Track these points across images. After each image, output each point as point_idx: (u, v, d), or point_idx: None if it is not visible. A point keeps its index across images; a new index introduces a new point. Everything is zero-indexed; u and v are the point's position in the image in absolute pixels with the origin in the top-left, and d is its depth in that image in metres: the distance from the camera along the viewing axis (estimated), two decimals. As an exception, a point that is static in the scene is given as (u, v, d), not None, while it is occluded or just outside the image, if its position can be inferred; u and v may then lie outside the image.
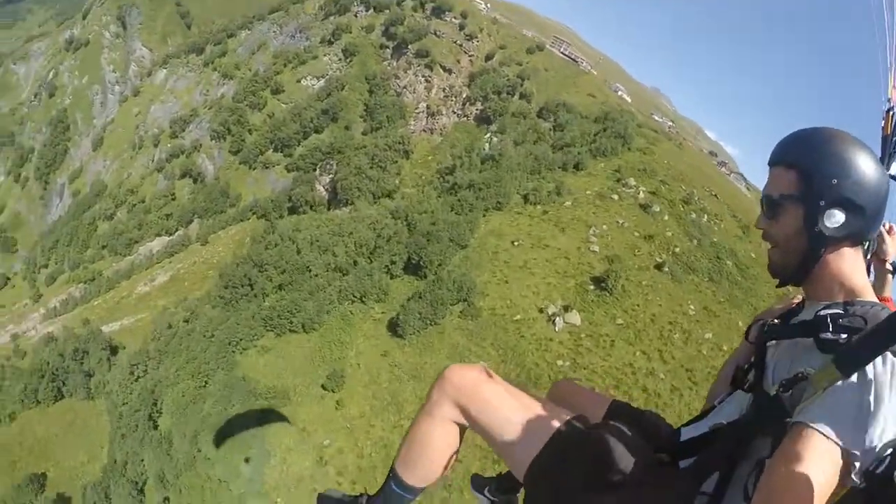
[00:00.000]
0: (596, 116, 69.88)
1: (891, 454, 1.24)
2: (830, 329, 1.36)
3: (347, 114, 76.45)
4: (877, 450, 1.25)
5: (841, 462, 1.27)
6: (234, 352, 42.55)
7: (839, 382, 1.28)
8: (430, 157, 73.06)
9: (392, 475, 1.95)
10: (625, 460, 1.62)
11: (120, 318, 74.39)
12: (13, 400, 49.26)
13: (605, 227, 48.05)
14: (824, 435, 1.26)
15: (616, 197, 51.43)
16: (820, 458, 1.25)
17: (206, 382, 40.80)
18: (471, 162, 56.01)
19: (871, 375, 1.27)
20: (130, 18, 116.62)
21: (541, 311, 41.01)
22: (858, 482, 1.28)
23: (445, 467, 1.91)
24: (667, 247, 47.04)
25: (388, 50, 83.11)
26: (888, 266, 1.85)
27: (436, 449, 1.87)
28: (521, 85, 79.07)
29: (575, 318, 40.13)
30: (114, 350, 60.00)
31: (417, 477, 1.91)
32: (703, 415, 1.87)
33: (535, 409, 1.76)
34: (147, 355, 46.47)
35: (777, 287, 1.70)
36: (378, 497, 2.03)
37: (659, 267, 44.70)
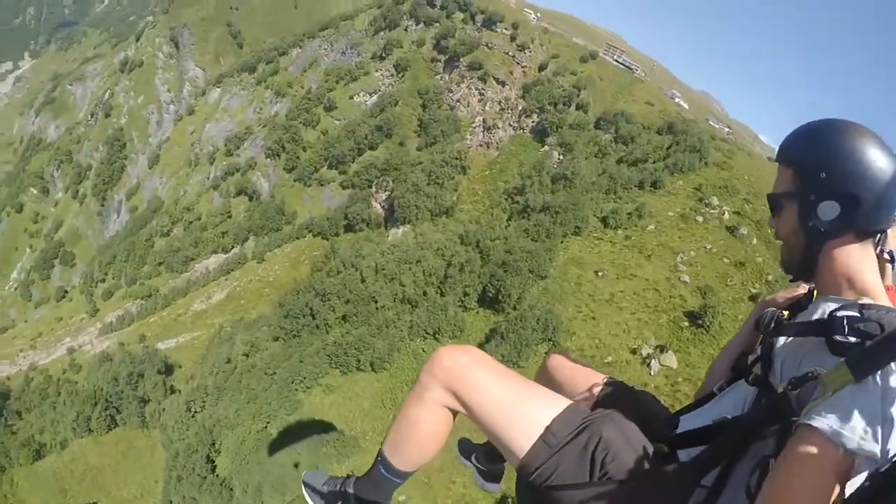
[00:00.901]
0: (658, 126, 65.77)
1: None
2: (846, 332, 1.32)
3: (401, 129, 74.29)
4: (888, 455, 1.22)
5: (846, 466, 1.24)
6: (297, 390, 39.86)
7: (850, 386, 1.24)
8: (486, 173, 70.21)
9: (380, 458, 1.86)
10: (623, 452, 1.56)
11: (176, 335, 73.75)
12: (66, 427, 48.12)
13: (692, 253, 43.70)
14: (831, 439, 1.23)
15: (700, 219, 46.84)
16: (826, 462, 1.22)
17: (267, 424, 38.39)
18: (541, 181, 52.25)
19: (883, 381, 1.23)
20: (183, 39, 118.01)
21: (633, 352, 36.93)
22: (865, 485, 1.25)
23: (434, 450, 1.82)
24: (759, 275, 42.29)
25: (439, 63, 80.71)
26: (885, 255, 1.64)
27: (425, 434, 1.78)
28: (578, 95, 75.49)
29: (671, 359, 35.94)
30: (169, 369, 58.91)
31: (406, 461, 1.82)
32: (702, 402, 1.81)
33: (531, 396, 1.68)
34: (205, 391, 44.05)
35: (790, 283, 1.70)
36: (365, 478, 1.95)
37: (753, 298, 39.83)
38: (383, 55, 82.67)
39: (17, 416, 53.40)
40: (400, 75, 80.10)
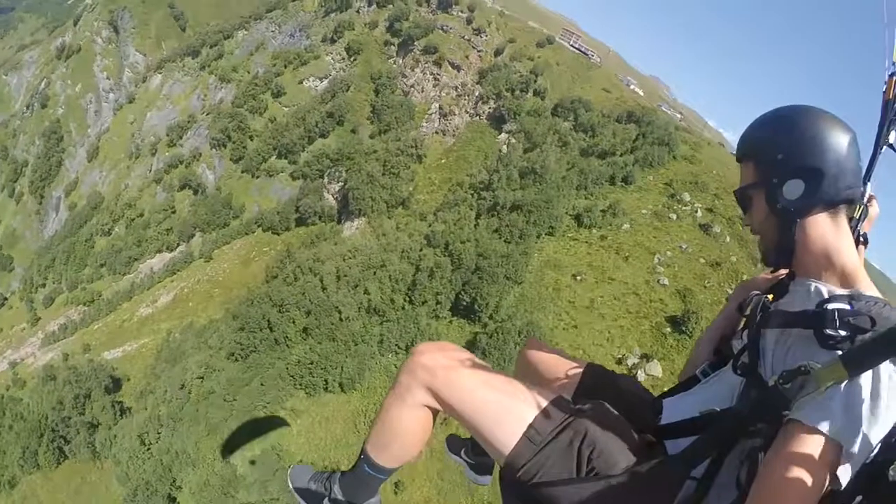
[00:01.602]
0: (618, 115, 63.44)
1: (881, 448, 1.22)
2: (837, 325, 1.30)
3: (353, 116, 69.51)
4: (876, 451, 1.23)
5: (837, 462, 1.24)
6: (260, 415, 35.63)
7: (844, 383, 1.22)
8: (443, 161, 66.50)
9: (363, 456, 1.83)
10: (609, 447, 1.53)
11: (122, 343, 67.83)
12: (13, 463, 42.61)
13: (669, 253, 41.76)
14: (824, 435, 1.23)
15: (674, 216, 44.92)
16: (818, 458, 1.22)
17: (229, 460, 34.11)
18: (508, 176, 48.46)
19: (877, 379, 1.23)
20: (123, 23, 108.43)
21: (619, 361, 34.79)
22: (851, 478, 1.25)
23: (418, 448, 1.80)
24: (735, 275, 40.62)
25: (393, 47, 75.95)
26: (860, 237, 1.65)
27: (407, 433, 1.74)
28: (535, 81, 72.41)
29: (656, 368, 34.05)
30: (116, 383, 53.77)
31: (389, 459, 1.80)
32: (686, 385, 1.78)
33: (512, 392, 1.63)
34: (159, 421, 38.95)
35: (770, 274, 1.71)
36: (350, 474, 1.91)
37: (731, 300, 38.56)
38: (334, 38, 77.23)
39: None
40: (352, 59, 75.03)
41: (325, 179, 64.64)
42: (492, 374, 1.67)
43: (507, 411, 1.59)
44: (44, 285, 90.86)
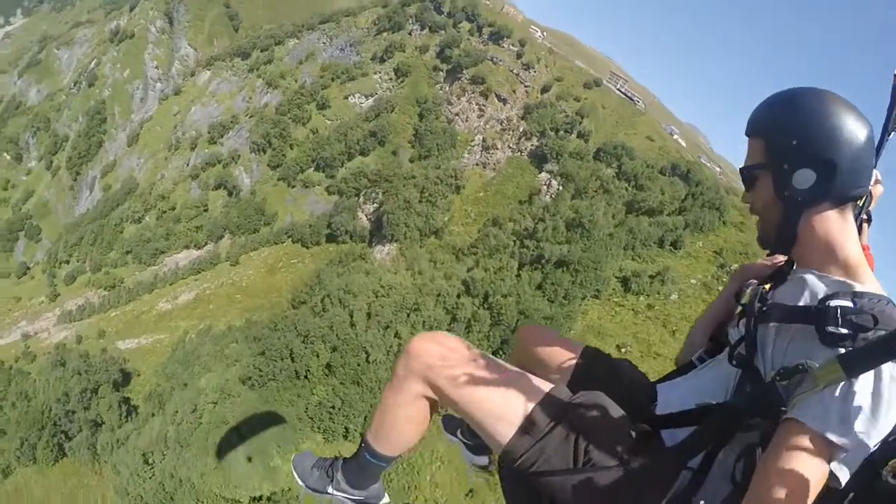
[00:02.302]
0: (662, 167, 61.40)
1: (879, 447, 1.20)
2: (839, 324, 1.26)
3: (396, 137, 68.24)
4: (872, 450, 1.21)
5: (834, 462, 1.23)
6: (274, 454, 33.76)
7: (842, 383, 1.20)
8: (481, 194, 64.80)
9: (364, 445, 1.86)
10: (606, 437, 1.52)
11: (137, 335, 66.67)
12: (9, 451, 41.07)
13: None
14: (821, 434, 1.21)
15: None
16: (816, 458, 1.21)
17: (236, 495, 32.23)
18: (555, 227, 46.30)
19: (875, 381, 1.20)
20: (178, 15, 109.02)
21: None
22: (846, 478, 1.25)
23: (417, 437, 1.81)
24: None
25: (441, 73, 74.77)
26: (863, 215, 1.62)
27: (406, 424, 1.76)
28: (580, 122, 70.77)
29: None
30: (126, 377, 52.43)
31: (390, 447, 1.82)
32: (681, 371, 1.76)
33: (509, 383, 1.60)
34: (165, 443, 37.18)
35: (769, 259, 1.67)
36: (352, 461, 1.95)
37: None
38: (384, 57, 76.30)
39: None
40: (399, 80, 73.92)
41: (361, 199, 63.21)
42: (488, 364, 1.62)
43: (503, 402, 1.54)
44: (68, 262, 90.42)
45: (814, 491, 1.19)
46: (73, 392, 43.92)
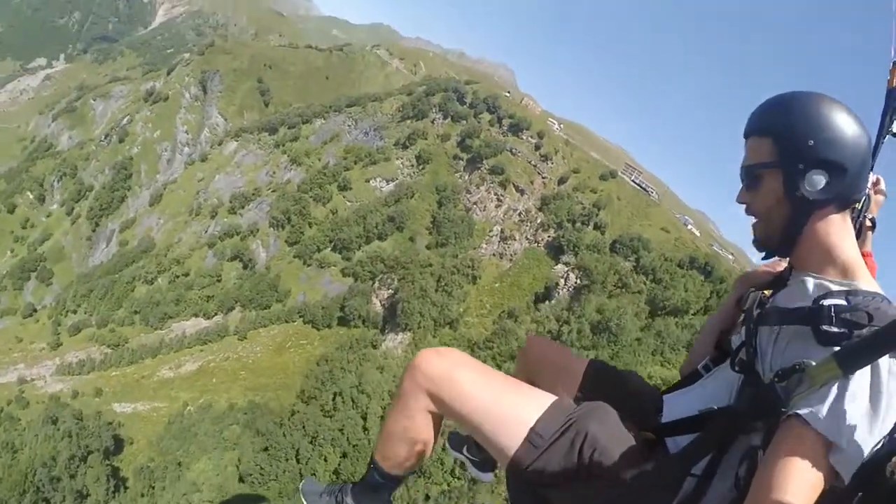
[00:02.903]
0: (679, 259, 61.09)
1: (883, 443, 1.17)
2: (833, 322, 1.25)
3: (414, 224, 68.61)
4: (873, 448, 1.19)
5: (836, 459, 1.21)
6: None
7: (838, 380, 1.19)
8: (497, 285, 64.18)
9: (373, 465, 1.81)
10: (610, 447, 1.50)
11: (135, 399, 64.13)
12: None
13: None
14: (819, 432, 1.19)
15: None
16: (816, 456, 1.20)
17: None
18: (580, 329, 45.35)
19: (871, 376, 1.19)
20: (212, 84, 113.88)
21: None
22: (849, 475, 1.22)
23: (425, 454, 1.78)
24: None
25: (461, 162, 76.48)
26: (867, 222, 1.62)
27: (413, 440, 1.73)
28: (597, 214, 71.42)
29: None
30: (119, 445, 49.87)
31: (397, 466, 1.78)
32: (687, 380, 1.76)
33: (514, 395, 1.61)
34: None
35: (763, 260, 1.63)
36: (362, 484, 1.88)
37: None
38: (406, 144, 78.34)
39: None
40: (420, 167, 75.46)
41: (376, 284, 62.51)
42: (492, 378, 1.62)
43: (509, 415, 1.55)
44: (75, 312, 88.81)
45: (815, 489, 1.18)
46: (60, 457, 41.57)
